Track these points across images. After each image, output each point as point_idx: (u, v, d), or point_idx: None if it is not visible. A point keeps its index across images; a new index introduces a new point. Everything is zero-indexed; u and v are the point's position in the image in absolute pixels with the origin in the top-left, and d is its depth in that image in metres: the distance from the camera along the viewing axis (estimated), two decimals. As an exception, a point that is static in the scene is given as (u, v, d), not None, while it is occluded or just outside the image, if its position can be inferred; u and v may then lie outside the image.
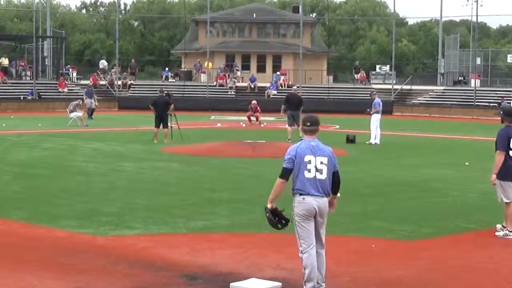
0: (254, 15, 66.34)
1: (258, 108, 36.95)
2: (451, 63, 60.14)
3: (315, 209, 7.39)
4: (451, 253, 9.50)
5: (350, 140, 25.80)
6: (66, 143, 24.48)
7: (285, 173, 7.45)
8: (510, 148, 10.36)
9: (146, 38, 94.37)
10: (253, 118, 36.57)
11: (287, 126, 26.61)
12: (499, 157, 10.30)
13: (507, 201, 10.44)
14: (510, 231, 10.42)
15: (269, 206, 7.51)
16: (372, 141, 25.39)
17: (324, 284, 7.48)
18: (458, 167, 19.02)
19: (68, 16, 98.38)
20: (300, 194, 7.39)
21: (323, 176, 7.42)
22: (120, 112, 47.91)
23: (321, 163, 7.43)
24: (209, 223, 11.14)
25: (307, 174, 7.39)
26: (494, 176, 10.34)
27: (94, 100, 40.11)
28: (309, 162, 7.40)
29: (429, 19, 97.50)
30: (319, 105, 44.76)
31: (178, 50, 68.93)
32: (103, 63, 60.08)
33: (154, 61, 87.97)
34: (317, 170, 7.41)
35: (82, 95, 40.97)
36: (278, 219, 7.55)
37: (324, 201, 7.46)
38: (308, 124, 7.59)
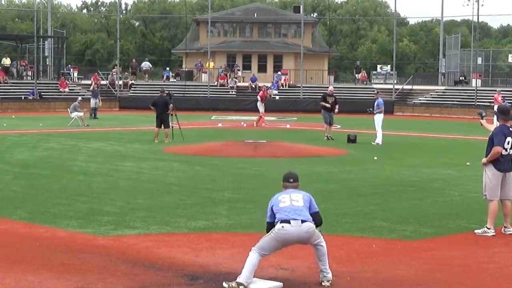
0: (255, 15, 66.39)
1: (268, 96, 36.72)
2: (452, 63, 60.17)
3: (295, 238, 7.59)
4: (452, 253, 9.50)
5: (351, 140, 25.79)
6: (67, 143, 24.49)
7: (268, 228, 7.79)
8: (503, 146, 10.55)
9: (147, 38, 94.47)
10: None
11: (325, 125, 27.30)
12: (497, 150, 10.50)
13: (490, 199, 10.65)
14: (489, 228, 10.58)
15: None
16: (379, 141, 25.32)
17: (328, 271, 7.78)
18: (459, 167, 19.04)
19: (69, 16, 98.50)
20: (281, 222, 7.60)
21: (299, 203, 7.65)
22: (121, 112, 47.97)
23: (296, 196, 7.74)
24: (210, 223, 11.14)
25: (281, 204, 7.66)
26: (484, 160, 10.67)
27: (99, 100, 40.24)
28: (283, 197, 7.74)
29: (430, 19, 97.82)
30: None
31: (179, 50, 69.00)
32: (147, 65, 60.24)
33: (155, 61, 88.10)
34: (291, 199, 7.67)
35: (89, 96, 41.14)
36: None
37: (307, 226, 7.57)
38: (291, 180, 7.95)
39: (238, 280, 7.56)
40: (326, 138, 26.70)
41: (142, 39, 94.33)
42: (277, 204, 7.74)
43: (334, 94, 28.43)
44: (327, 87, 53.64)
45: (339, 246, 9.61)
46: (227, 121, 39.11)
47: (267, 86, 37.39)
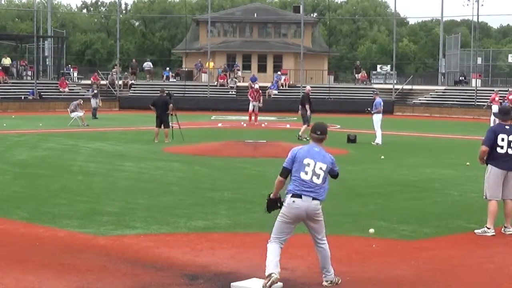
0: (255, 14, 66.38)
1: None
2: (452, 63, 60.17)
3: (304, 213, 7.61)
4: (452, 253, 9.50)
5: (351, 140, 25.79)
6: (67, 143, 24.49)
7: (283, 172, 7.75)
8: (498, 144, 10.57)
9: (147, 38, 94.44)
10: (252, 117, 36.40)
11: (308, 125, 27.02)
12: (482, 150, 10.63)
13: (490, 198, 10.67)
14: (489, 228, 10.60)
15: (272, 196, 7.87)
16: (379, 141, 25.34)
17: (330, 272, 7.80)
18: (459, 167, 19.04)
19: (69, 16, 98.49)
20: (292, 196, 7.61)
21: (319, 181, 7.62)
22: (121, 112, 47.96)
23: (320, 168, 7.64)
24: (210, 223, 11.15)
25: (303, 176, 7.60)
26: (481, 161, 10.82)
27: (99, 101, 40.20)
28: (308, 165, 7.63)
29: (430, 19, 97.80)
30: (320, 104, 44.72)
31: (179, 50, 68.99)
32: (148, 65, 60.43)
33: (155, 61, 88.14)
34: (314, 174, 7.61)
35: (88, 96, 41.07)
36: (278, 205, 7.85)
37: (315, 204, 7.62)
38: (318, 133, 7.81)
39: (266, 273, 7.54)
40: (303, 137, 26.10)
41: (142, 39, 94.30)
42: (301, 167, 7.58)
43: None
44: (327, 87, 54.20)
45: (339, 246, 9.60)
46: (227, 121, 39.11)
47: (256, 86, 37.86)
